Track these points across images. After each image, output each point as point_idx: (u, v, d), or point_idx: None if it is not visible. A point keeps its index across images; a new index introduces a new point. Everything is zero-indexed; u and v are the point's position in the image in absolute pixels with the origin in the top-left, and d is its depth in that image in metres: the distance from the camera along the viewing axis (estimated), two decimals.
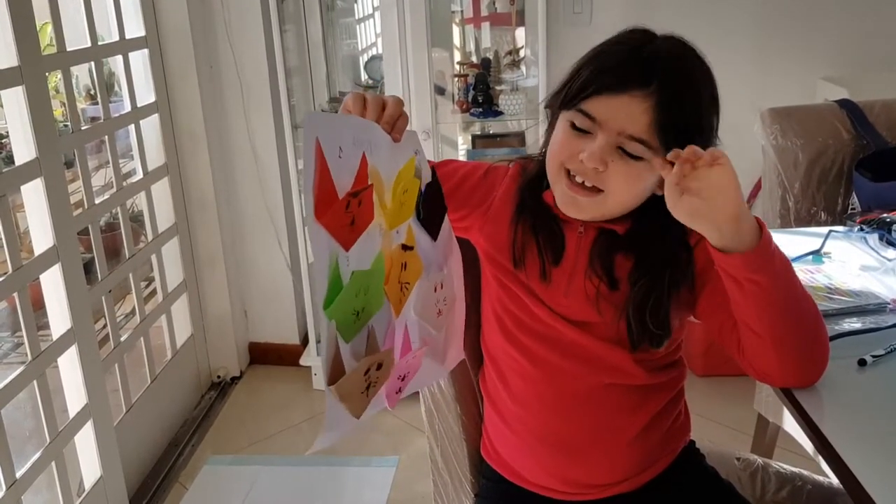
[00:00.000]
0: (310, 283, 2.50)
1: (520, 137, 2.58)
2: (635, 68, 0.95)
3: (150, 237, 2.30)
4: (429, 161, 1.14)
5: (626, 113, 0.94)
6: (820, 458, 0.93)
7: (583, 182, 0.98)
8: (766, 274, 0.91)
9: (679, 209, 0.90)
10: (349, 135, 0.82)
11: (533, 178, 1.08)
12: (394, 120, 0.88)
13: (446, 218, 0.99)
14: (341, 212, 0.81)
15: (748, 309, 0.94)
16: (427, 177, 0.95)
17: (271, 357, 2.74)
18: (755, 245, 0.90)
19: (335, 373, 0.82)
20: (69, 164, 2.60)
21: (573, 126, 0.98)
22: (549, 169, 1.03)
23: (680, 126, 0.94)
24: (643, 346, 1.04)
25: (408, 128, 0.91)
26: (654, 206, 1.00)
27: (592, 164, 0.96)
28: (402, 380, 0.95)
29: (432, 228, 0.97)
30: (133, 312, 2.32)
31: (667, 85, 0.94)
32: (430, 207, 0.96)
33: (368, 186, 0.83)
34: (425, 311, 0.96)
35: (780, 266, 0.93)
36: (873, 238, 1.40)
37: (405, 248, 0.91)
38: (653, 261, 1.02)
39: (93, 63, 2.04)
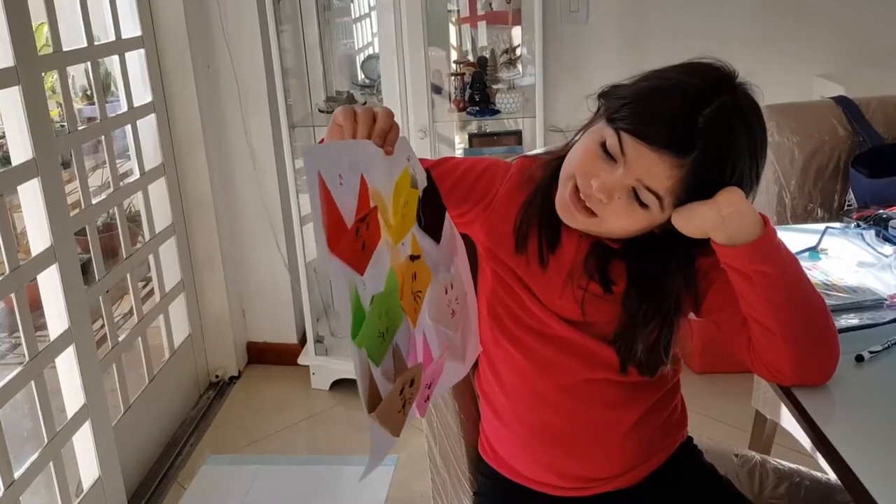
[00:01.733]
0: (306, 282, 2.50)
1: (517, 136, 2.58)
2: (680, 134, 0.91)
3: (147, 237, 2.30)
4: (427, 160, 1.15)
5: (654, 169, 0.92)
6: (818, 454, 0.93)
7: (584, 203, 0.98)
8: (773, 264, 0.93)
9: (688, 230, 0.95)
10: (346, 160, 0.82)
11: (550, 177, 1.06)
12: (385, 133, 0.87)
13: (448, 217, 0.99)
14: (352, 239, 0.81)
15: (759, 304, 0.95)
16: (423, 181, 0.95)
17: (269, 356, 2.74)
18: (760, 234, 0.92)
19: (374, 399, 0.82)
20: (66, 165, 2.59)
21: (603, 145, 0.96)
22: (563, 169, 1.02)
23: (699, 195, 0.94)
24: (631, 369, 1.05)
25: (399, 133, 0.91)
26: (654, 243, 1.00)
27: (599, 194, 0.95)
28: (429, 387, 0.95)
29: (435, 231, 0.97)
30: (131, 312, 2.33)
31: (703, 160, 0.91)
32: (430, 211, 0.96)
33: (373, 209, 0.84)
34: (440, 315, 0.96)
35: (787, 258, 0.95)
36: (870, 234, 1.40)
37: (412, 258, 0.92)
38: (655, 294, 1.02)
39: (89, 63, 2.04)
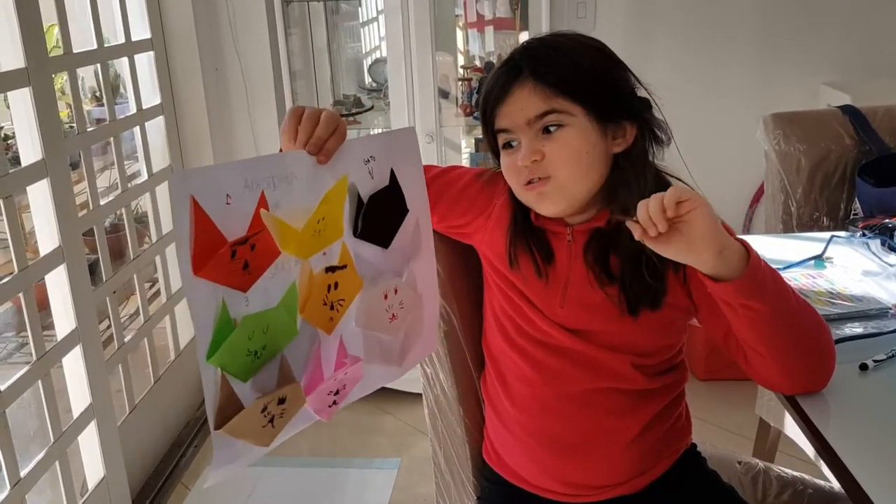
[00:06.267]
0: None
1: None
2: (507, 72, 1.03)
3: (154, 238, 2.31)
4: (435, 166, 1.16)
5: (520, 106, 1.01)
6: (821, 462, 0.93)
7: (536, 179, 1.02)
8: (759, 299, 0.90)
9: (667, 253, 0.90)
10: (237, 180, 0.82)
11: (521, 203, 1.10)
12: (322, 141, 0.88)
13: (412, 219, 1.01)
14: (227, 260, 0.81)
15: (746, 332, 0.95)
16: (379, 183, 0.96)
17: None
18: (743, 271, 0.89)
19: (225, 415, 0.84)
20: (74, 166, 2.61)
21: (504, 146, 1.05)
22: (514, 193, 1.07)
23: (574, 80, 1.00)
24: (643, 310, 1.03)
25: (381, 131, 0.92)
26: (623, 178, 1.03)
27: (528, 161, 1.00)
28: (337, 394, 0.97)
29: (382, 238, 0.98)
30: (137, 313, 2.33)
31: (535, 63, 1.01)
32: (384, 214, 0.97)
33: (261, 231, 0.84)
34: (372, 321, 0.98)
35: (773, 289, 0.92)
36: (875, 243, 1.40)
37: (332, 269, 0.93)
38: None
39: (98, 65, 2.05)
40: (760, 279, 0.90)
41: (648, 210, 0.87)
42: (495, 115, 1.04)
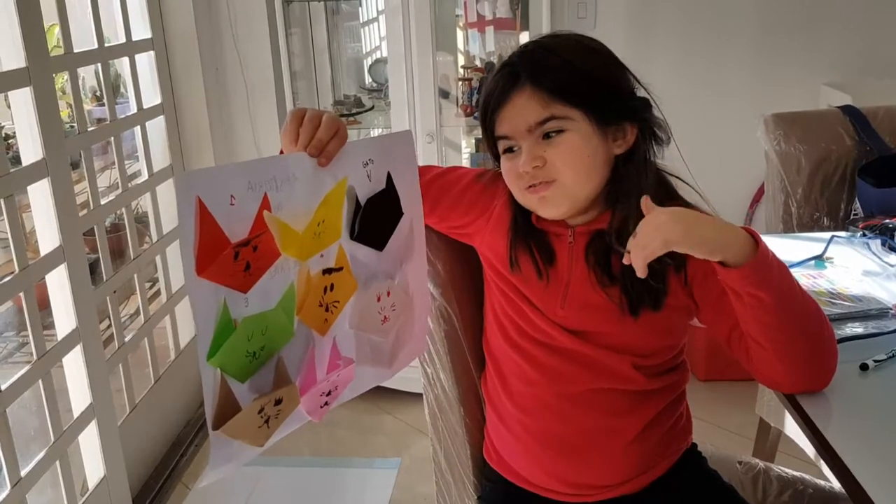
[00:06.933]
0: None
1: None
2: (506, 78, 1.02)
3: (154, 238, 2.31)
4: (435, 167, 1.16)
5: (519, 112, 1.01)
6: (821, 462, 0.93)
7: (538, 183, 1.02)
8: (765, 289, 0.91)
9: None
10: (241, 181, 0.82)
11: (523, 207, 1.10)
12: (323, 144, 0.88)
13: (407, 222, 1.01)
14: (229, 262, 0.82)
15: (750, 321, 0.95)
16: (377, 186, 0.96)
17: None
18: (751, 259, 0.90)
19: (223, 415, 0.84)
20: (75, 165, 2.60)
21: (505, 151, 1.05)
22: (514, 196, 1.07)
23: (572, 84, 0.99)
24: (644, 311, 1.03)
25: (382, 133, 0.92)
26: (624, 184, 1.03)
27: (529, 167, 1.00)
28: (329, 395, 0.97)
29: (377, 240, 0.99)
30: (137, 313, 2.33)
31: (533, 67, 1.01)
32: (380, 217, 0.98)
33: (263, 233, 0.84)
34: (364, 322, 0.99)
35: (780, 279, 0.92)
36: (875, 243, 1.40)
37: (329, 271, 0.93)
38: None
39: (99, 65, 2.05)
40: (767, 269, 0.91)
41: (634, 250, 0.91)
42: (495, 120, 1.04)
